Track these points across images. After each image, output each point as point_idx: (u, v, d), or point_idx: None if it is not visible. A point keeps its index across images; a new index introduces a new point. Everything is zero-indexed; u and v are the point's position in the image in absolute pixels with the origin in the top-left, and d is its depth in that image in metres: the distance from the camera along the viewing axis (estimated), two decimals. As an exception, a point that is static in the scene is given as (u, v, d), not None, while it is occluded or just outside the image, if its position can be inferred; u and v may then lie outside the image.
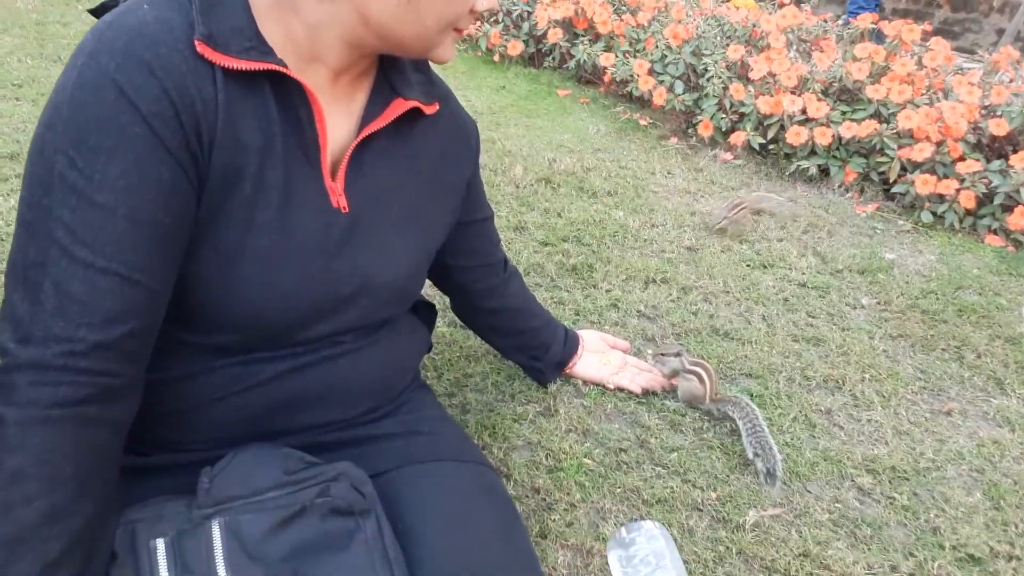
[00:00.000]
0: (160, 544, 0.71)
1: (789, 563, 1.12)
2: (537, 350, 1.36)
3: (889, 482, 1.29)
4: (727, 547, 1.13)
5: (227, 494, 0.75)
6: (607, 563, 1.06)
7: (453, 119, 0.96)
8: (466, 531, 0.84)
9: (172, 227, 0.70)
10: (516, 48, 3.21)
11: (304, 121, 0.78)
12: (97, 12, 0.78)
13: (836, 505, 1.23)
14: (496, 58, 3.25)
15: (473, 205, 1.09)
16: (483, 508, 0.88)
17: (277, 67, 0.72)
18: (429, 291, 1.42)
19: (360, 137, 0.82)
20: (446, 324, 1.55)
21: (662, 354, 1.44)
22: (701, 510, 1.19)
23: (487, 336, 1.34)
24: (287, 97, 0.76)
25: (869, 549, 1.16)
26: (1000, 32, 4.85)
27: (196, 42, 0.68)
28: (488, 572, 0.80)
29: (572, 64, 3.08)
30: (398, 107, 0.84)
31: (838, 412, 1.44)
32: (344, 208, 0.82)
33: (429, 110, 0.89)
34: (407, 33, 0.74)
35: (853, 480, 1.28)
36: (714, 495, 1.22)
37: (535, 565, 0.86)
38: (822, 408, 1.45)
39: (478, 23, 3.35)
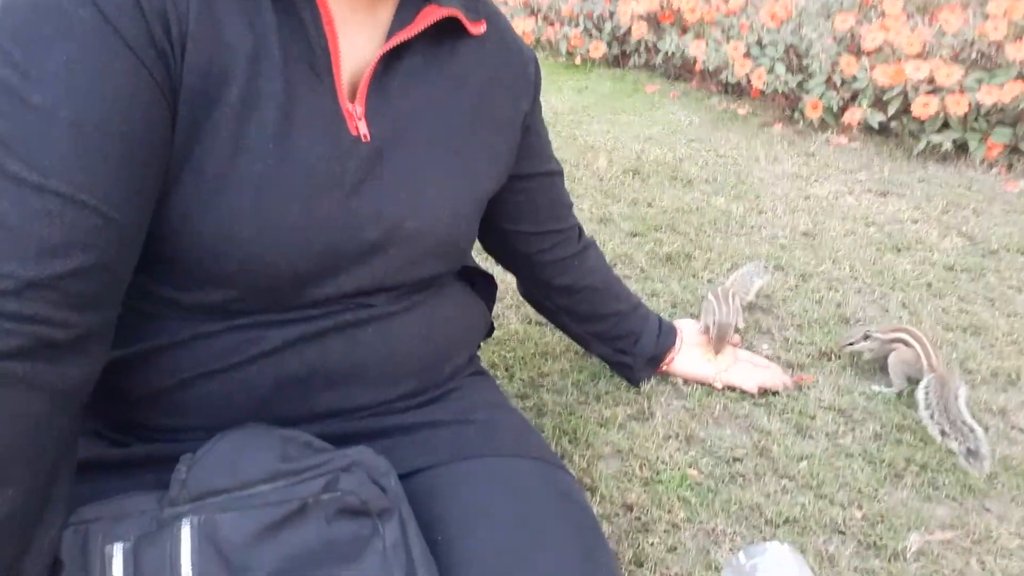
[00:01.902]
0: (117, 550, 0.54)
1: (974, 604, 0.83)
2: (624, 341, 1.13)
3: (1102, 499, 0.97)
4: (885, 581, 0.86)
5: (207, 487, 0.57)
6: (723, 599, 0.81)
7: (505, 42, 0.78)
8: (529, 546, 0.62)
9: (135, 141, 0.55)
10: (599, 50, 3.03)
11: (308, 24, 0.63)
12: None
13: (1030, 528, 0.93)
14: (578, 61, 3.08)
15: (534, 154, 0.90)
16: (555, 517, 0.67)
17: None
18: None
19: (386, 48, 0.65)
20: (519, 320, 1.35)
21: (850, 344, 1.20)
22: (843, 533, 0.93)
23: (562, 322, 1.12)
24: None
25: (1087, 587, 0.85)
26: None
27: None
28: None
29: (659, 59, 2.87)
30: (430, 15, 0.68)
31: (1015, 412, 1.13)
32: (365, 136, 0.65)
33: (474, 29, 0.72)
34: None
35: (1050, 496, 0.98)
36: (859, 514, 0.95)
37: (621, 595, 0.63)
38: (993, 408, 1.14)
39: (556, 25, 3.20)
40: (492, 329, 0.97)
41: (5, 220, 0.50)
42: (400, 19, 0.68)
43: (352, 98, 0.66)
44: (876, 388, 1.17)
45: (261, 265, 0.63)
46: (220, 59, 0.59)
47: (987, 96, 2.02)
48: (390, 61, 0.67)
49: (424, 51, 0.70)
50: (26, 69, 0.51)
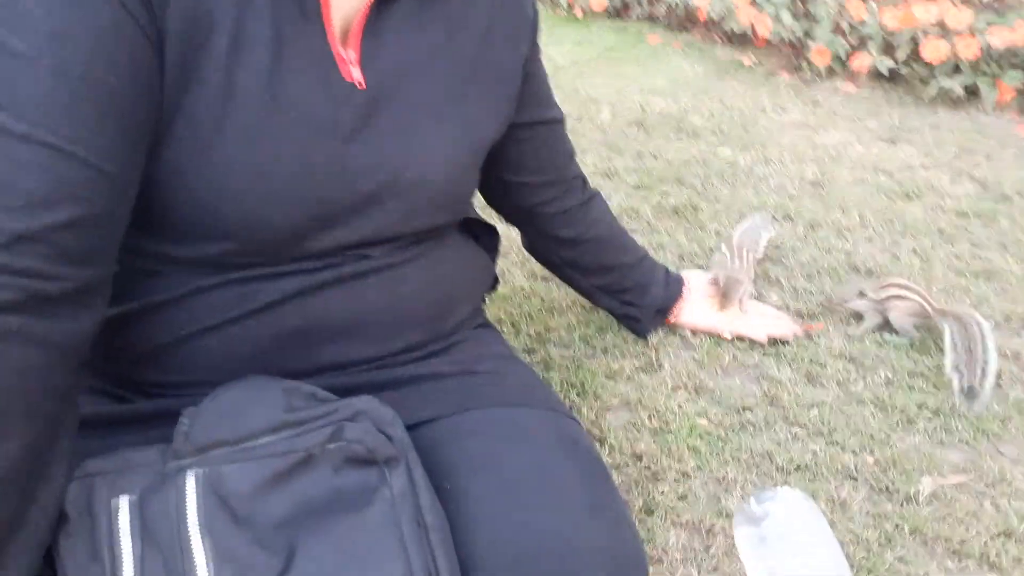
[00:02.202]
0: (124, 503, 0.53)
1: (986, 544, 0.83)
2: (631, 293, 1.11)
3: (1117, 439, 0.96)
4: (896, 524, 0.86)
5: (210, 438, 0.56)
6: (734, 544, 0.81)
7: None
8: (541, 493, 0.62)
9: (122, 88, 0.53)
10: (600, 2, 2.95)
11: None
12: None
13: (1044, 470, 0.92)
14: (579, 13, 3.01)
15: (535, 101, 0.87)
16: (564, 465, 0.66)
17: None
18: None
19: None
20: (525, 276, 1.34)
21: (846, 303, 1.18)
22: (855, 478, 0.92)
23: (568, 275, 1.10)
24: None
25: (1101, 526, 0.85)
26: None
27: None
28: (569, 544, 0.58)
29: (662, 10, 2.80)
30: None
31: (1030, 355, 1.12)
32: (360, 83, 0.63)
33: None
34: None
35: (1064, 438, 0.97)
36: (871, 460, 0.94)
37: (632, 535, 0.63)
38: (1007, 352, 1.13)
39: (557, -22, 3.12)
40: (497, 282, 0.96)
41: None
42: None
43: (344, 43, 0.64)
44: (888, 337, 1.15)
45: (256, 217, 0.61)
46: (206, 4, 0.57)
47: (998, 38, 1.96)
48: (383, 6, 0.65)
49: None
50: (6, 15, 0.49)
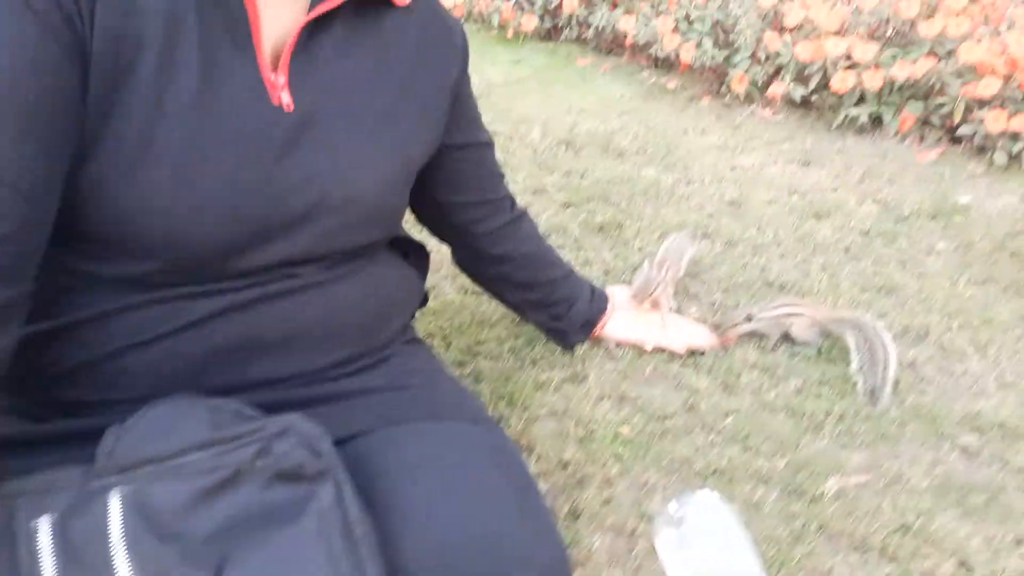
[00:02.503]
0: (44, 523, 0.53)
1: (885, 539, 0.89)
2: (558, 307, 1.15)
3: (1000, 440, 1.05)
4: (805, 522, 0.91)
5: (136, 457, 0.56)
6: (655, 545, 0.85)
7: (431, 12, 0.79)
8: (470, 500, 0.64)
9: (43, 109, 0.54)
10: (531, 23, 3.02)
11: None
12: None
13: (937, 469, 1.00)
14: (510, 34, 3.07)
15: (465, 124, 0.91)
16: (492, 473, 0.68)
17: None
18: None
19: (308, 19, 0.65)
20: (456, 290, 1.36)
21: (734, 325, 1.23)
22: (768, 481, 0.98)
23: (498, 290, 1.13)
24: None
25: (985, 519, 0.92)
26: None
27: None
28: (496, 550, 0.60)
29: (591, 33, 2.88)
30: None
31: (924, 364, 1.21)
32: (288, 106, 0.66)
33: (399, 0, 0.72)
34: None
35: (954, 440, 1.05)
36: (782, 463, 1.00)
37: (556, 539, 0.66)
38: (904, 361, 1.21)
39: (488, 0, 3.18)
40: (426, 299, 0.98)
41: None
42: None
43: (275, 68, 0.66)
44: (798, 347, 1.22)
45: (184, 236, 0.62)
46: (133, 24, 0.58)
47: (900, 71, 2.10)
48: (314, 31, 0.67)
49: (349, 21, 0.70)
50: None
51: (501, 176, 1.03)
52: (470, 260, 1.09)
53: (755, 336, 1.23)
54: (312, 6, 0.67)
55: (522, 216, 1.08)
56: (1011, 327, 1.30)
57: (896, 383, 1.12)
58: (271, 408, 0.65)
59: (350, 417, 0.71)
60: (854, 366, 1.15)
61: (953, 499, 0.95)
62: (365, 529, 0.57)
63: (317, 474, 0.57)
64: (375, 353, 0.78)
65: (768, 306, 1.23)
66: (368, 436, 0.70)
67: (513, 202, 1.06)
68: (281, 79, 0.65)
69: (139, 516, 0.52)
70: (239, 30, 0.63)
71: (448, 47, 0.81)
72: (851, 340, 1.18)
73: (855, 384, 1.13)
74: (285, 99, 0.65)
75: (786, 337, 1.23)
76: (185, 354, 0.66)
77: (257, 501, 0.55)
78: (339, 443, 0.65)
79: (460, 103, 0.86)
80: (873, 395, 1.11)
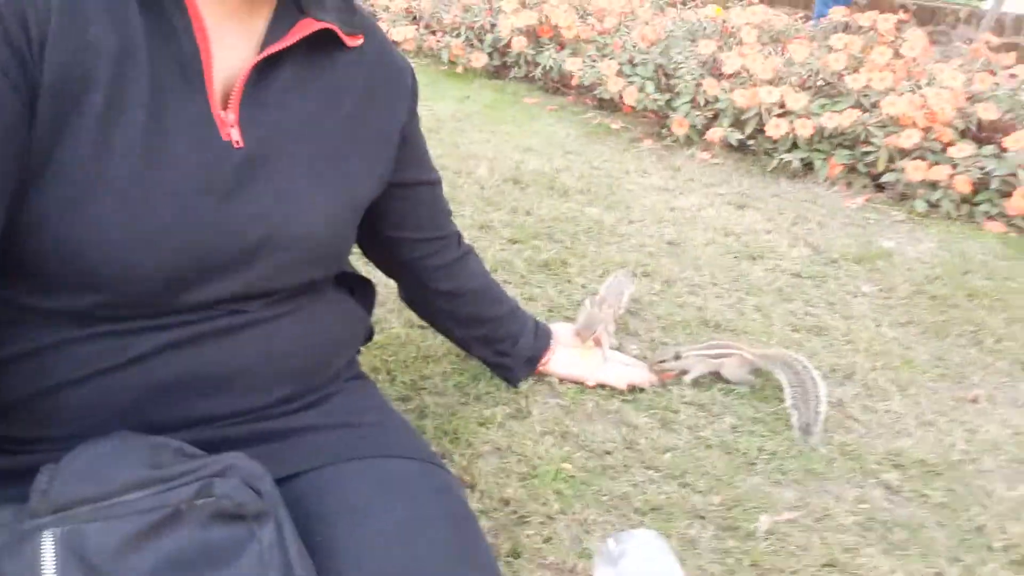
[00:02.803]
0: None
1: (813, 575, 0.92)
2: (503, 343, 1.17)
3: (920, 477, 1.10)
4: (738, 559, 0.94)
5: (71, 497, 0.54)
6: (594, 583, 0.86)
7: (382, 55, 0.81)
8: (410, 543, 0.64)
9: None
10: (479, 60, 3.08)
11: (179, 30, 0.63)
12: None
13: (861, 506, 1.04)
14: (459, 70, 3.12)
15: (414, 163, 0.92)
16: (433, 514, 0.69)
17: None
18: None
19: (258, 59, 0.66)
20: (401, 324, 1.36)
21: (660, 362, 1.26)
22: (704, 517, 1.00)
23: (443, 326, 1.14)
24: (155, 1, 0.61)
25: (906, 555, 0.97)
26: (968, 44, 4.83)
27: None
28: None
29: (538, 72, 2.95)
30: (305, 27, 0.69)
31: (851, 403, 1.26)
32: (237, 143, 0.66)
33: (351, 41, 0.75)
34: None
35: (878, 477, 1.10)
36: (717, 499, 1.03)
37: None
38: (832, 399, 1.26)
39: (439, 34, 3.23)
40: (372, 334, 0.98)
41: None
42: (275, 30, 0.69)
43: (225, 106, 0.66)
44: (733, 386, 1.26)
45: (129, 270, 0.62)
46: (83, 60, 0.58)
47: (829, 121, 2.22)
48: (265, 71, 0.68)
49: (300, 62, 0.71)
50: None
51: (448, 213, 1.05)
52: (417, 296, 1.10)
53: (682, 374, 1.27)
54: (264, 45, 0.68)
55: (469, 253, 1.09)
56: (929, 368, 1.38)
57: (826, 418, 1.17)
58: (212, 446, 0.64)
59: (292, 455, 0.70)
60: (788, 402, 1.20)
61: (877, 535, 1.00)
62: (305, 570, 0.56)
63: (258, 514, 0.57)
64: (318, 390, 0.78)
65: (698, 345, 1.27)
66: (310, 475, 0.70)
67: (460, 239, 1.08)
68: (231, 116, 0.66)
69: (73, 558, 0.51)
70: (190, 67, 0.64)
71: (398, 88, 0.83)
72: (782, 377, 1.23)
73: (788, 420, 1.18)
74: (235, 136, 0.66)
75: (718, 376, 1.27)
76: (125, 391, 0.65)
77: (196, 541, 0.54)
78: (281, 482, 0.65)
79: (409, 143, 0.88)
80: (806, 430, 1.16)
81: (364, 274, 0.93)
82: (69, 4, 0.57)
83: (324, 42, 0.72)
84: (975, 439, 1.19)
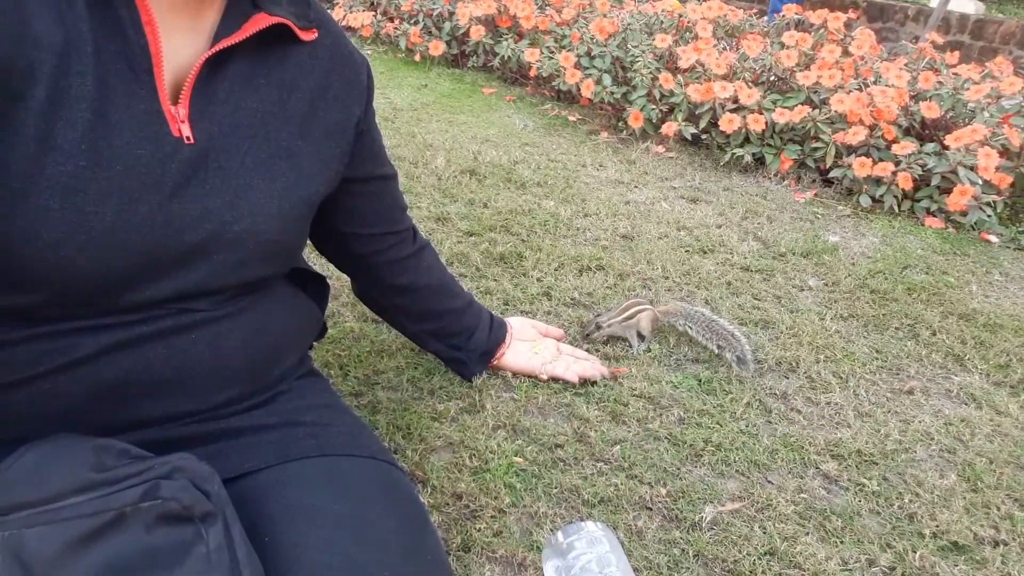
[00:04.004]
0: None
1: (754, 563, 0.96)
2: (458, 338, 1.18)
3: (856, 467, 1.15)
4: (682, 549, 0.97)
5: (10, 501, 0.54)
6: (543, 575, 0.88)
7: (337, 50, 0.80)
8: (357, 541, 0.65)
9: None
10: (438, 48, 3.06)
11: (127, 23, 0.62)
12: None
13: (801, 496, 1.08)
14: (417, 58, 3.10)
15: (369, 158, 0.92)
16: (381, 512, 0.69)
17: None
18: (327, 270, 1.23)
19: (210, 53, 0.65)
20: (355, 318, 1.36)
21: (587, 335, 1.37)
22: (651, 508, 1.03)
23: (398, 321, 1.15)
24: None
25: (842, 542, 1.01)
26: (915, 41, 4.97)
27: None
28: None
29: (496, 62, 2.95)
30: (259, 22, 0.69)
31: (794, 396, 1.30)
32: (188, 138, 0.65)
33: (305, 36, 0.74)
34: None
35: (818, 467, 1.14)
36: (664, 491, 1.06)
37: (445, 577, 0.67)
38: (777, 392, 1.31)
39: (396, 21, 3.20)
40: (325, 330, 0.98)
41: None
42: (227, 24, 0.68)
43: (175, 100, 0.65)
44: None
45: (71, 268, 0.61)
46: (25, 54, 0.57)
47: (780, 117, 2.27)
48: (216, 65, 0.67)
49: (253, 56, 0.70)
50: None
51: (404, 208, 1.05)
52: (371, 290, 1.10)
53: (617, 340, 1.37)
54: (216, 39, 0.67)
55: (424, 248, 1.09)
56: (868, 360, 1.43)
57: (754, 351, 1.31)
58: (159, 446, 0.64)
59: (241, 455, 0.71)
60: (712, 348, 1.34)
61: (814, 523, 1.04)
62: (254, 571, 0.57)
63: (205, 515, 0.57)
64: (268, 389, 0.78)
65: (615, 311, 1.36)
66: (258, 475, 0.70)
67: (416, 234, 1.08)
68: (182, 111, 0.65)
69: (13, 563, 0.51)
70: (138, 61, 0.62)
71: (353, 83, 0.82)
72: (692, 331, 1.37)
73: (724, 362, 1.33)
74: (185, 131, 0.65)
75: (640, 336, 1.36)
76: (69, 392, 0.65)
77: (140, 545, 0.54)
78: (229, 482, 0.66)
79: (364, 138, 0.87)
80: (741, 361, 1.29)
81: (317, 269, 0.93)
82: None
83: (277, 36, 0.71)
84: (909, 430, 1.25)
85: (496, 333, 1.22)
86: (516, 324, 1.29)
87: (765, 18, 3.32)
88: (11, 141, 0.57)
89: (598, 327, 1.35)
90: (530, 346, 1.27)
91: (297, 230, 0.78)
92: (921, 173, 2.14)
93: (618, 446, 1.13)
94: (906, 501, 1.09)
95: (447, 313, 1.15)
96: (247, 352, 0.75)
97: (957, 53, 2.81)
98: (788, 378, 1.35)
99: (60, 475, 0.56)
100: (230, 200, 0.68)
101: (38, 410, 0.64)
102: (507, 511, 0.99)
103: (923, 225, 2.11)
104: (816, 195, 2.22)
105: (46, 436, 0.61)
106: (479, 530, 0.95)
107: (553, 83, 2.74)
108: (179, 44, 0.66)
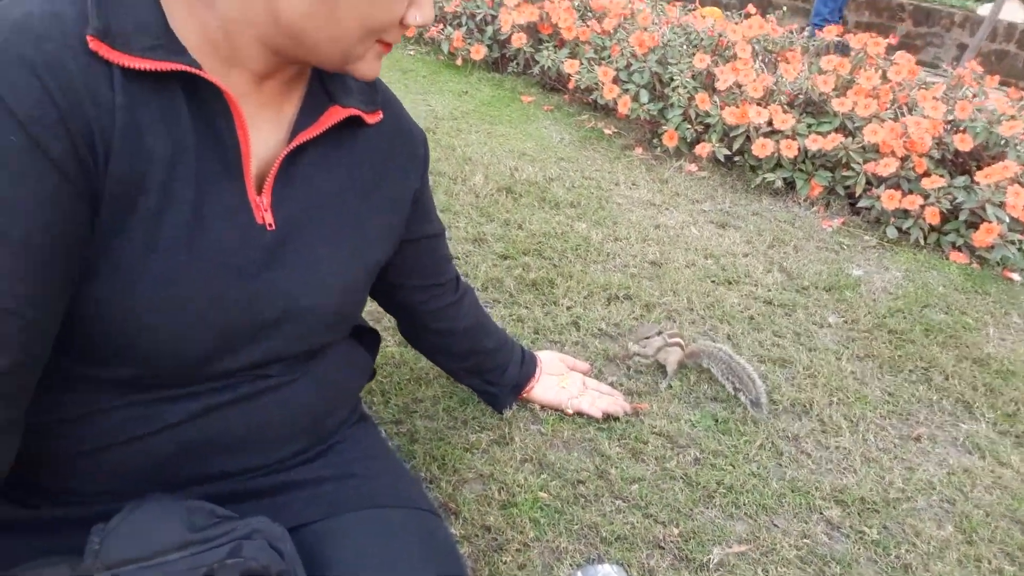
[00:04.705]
0: None
1: (755, 606, 1.05)
2: (492, 373, 1.27)
3: (859, 514, 1.23)
4: (690, 590, 1.06)
5: (121, 556, 0.64)
6: (561, 612, 0.98)
7: (398, 127, 0.88)
8: None
9: (56, 248, 0.61)
10: (479, 52, 3.12)
11: (223, 129, 0.70)
12: None
13: (804, 540, 1.16)
14: (459, 62, 3.16)
15: (421, 220, 1.00)
16: (419, 561, 0.79)
17: (188, 68, 0.63)
18: (373, 311, 1.33)
19: (290, 148, 0.73)
20: (396, 343, 1.46)
21: (645, 337, 1.46)
22: (663, 548, 1.12)
23: (438, 359, 1.25)
24: (203, 102, 0.67)
25: (838, 589, 1.09)
26: (962, 47, 4.90)
27: (88, 38, 0.59)
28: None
29: (536, 70, 3.01)
30: (334, 115, 0.76)
31: (805, 439, 1.38)
32: (270, 225, 0.73)
33: (371, 118, 0.81)
34: (321, 37, 0.65)
35: (822, 513, 1.22)
36: (676, 531, 1.15)
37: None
38: (789, 434, 1.38)
39: (440, 26, 3.26)
40: (374, 374, 1.08)
41: None
42: (304, 117, 0.76)
43: (259, 190, 0.74)
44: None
45: (167, 348, 0.70)
46: (140, 167, 0.65)
47: (813, 143, 2.31)
48: (294, 154, 0.76)
49: (326, 142, 0.78)
50: None
51: (449, 259, 1.13)
52: (413, 332, 1.20)
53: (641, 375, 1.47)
54: (295, 131, 0.75)
55: (466, 294, 1.18)
56: (880, 404, 1.50)
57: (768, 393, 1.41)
58: (230, 498, 0.74)
59: (301, 508, 0.81)
60: (729, 388, 1.43)
61: (815, 569, 1.12)
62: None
63: (280, 573, 0.67)
64: (325, 440, 0.88)
65: (645, 335, 1.46)
66: (316, 526, 0.80)
67: (459, 281, 1.17)
68: (265, 200, 0.73)
69: None
70: (230, 159, 0.70)
71: (412, 157, 0.90)
72: (714, 370, 1.45)
73: (739, 403, 1.42)
74: (268, 219, 0.73)
75: (660, 366, 1.48)
76: (158, 451, 0.74)
77: (227, 598, 0.65)
78: (293, 529, 0.76)
79: (418, 203, 0.95)
80: (755, 404, 1.39)
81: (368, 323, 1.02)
82: (128, 118, 0.63)
83: (347, 121, 0.79)
84: (913, 478, 1.32)
85: (527, 368, 1.31)
86: (545, 358, 1.38)
87: (806, 32, 3.32)
88: (124, 241, 0.66)
89: (659, 333, 1.45)
90: (558, 380, 1.36)
91: (359, 297, 0.87)
92: (950, 207, 2.17)
93: (636, 484, 1.22)
94: (903, 551, 1.16)
95: (483, 352, 1.24)
96: (311, 409, 0.84)
97: (997, 77, 2.80)
98: (801, 420, 1.43)
99: (161, 534, 0.66)
100: (302, 277, 0.77)
101: (130, 467, 0.74)
102: (531, 545, 1.09)
103: (947, 259, 2.15)
104: (844, 223, 2.27)
105: (137, 490, 0.71)
106: (505, 563, 1.05)
107: (591, 95, 2.80)
108: (263, 138, 0.74)
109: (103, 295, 0.66)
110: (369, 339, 1.02)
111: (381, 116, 0.83)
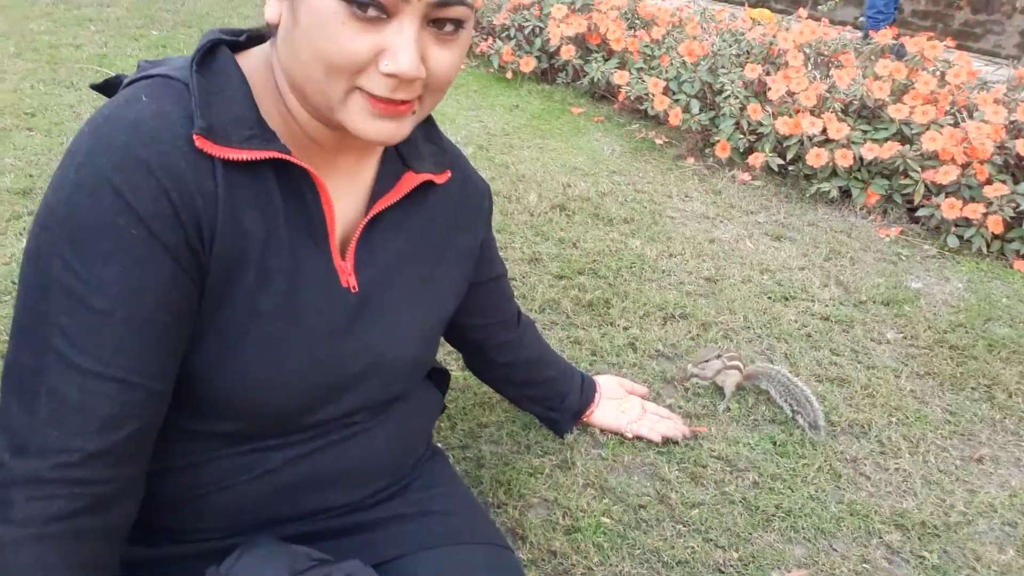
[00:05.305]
0: None
1: (816, 632, 1.08)
2: (553, 400, 1.32)
3: (919, 539, 1.24)
4: (751, 615, 1.09)
5: None
6: (627, 638, 1.03)
7: (465, 184, 0.93)
8: None
9: (172, 324, 0.68)
10: (529, 64, 3.17)
11: (310, 204, 0.76)
12: (101, 88, 0.76)
13: (864, 565, 1.19)
14: (509, 75, 3.21)
15: (486, 265, 1.06)
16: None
17: (279, 154, 0.70)
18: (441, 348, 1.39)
19: (370, 215, 0.80)
20: (459, 368, 1.52)
21: (705, 360, 1.50)
22: (723, 572, 1.16)
23: (501, 388, 1.30)
24: (292, 181, 0.74)
25: (899, 615, 1.11)
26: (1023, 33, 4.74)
27: (195, 136, 0.66)
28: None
29: (585, 81, 3.04)
30: (409, 182, 0.82)
31: (864, 460, 1.40)
32: (354, 287, 0.80)
33: (440, 179, 0.87)
34: (297, 76, 0.68)
35: (881, 537, 1.24)
36: (736, 555, 1.18)
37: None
38: (848, 456, 1.40)
39: (489, 40, 3.31)
40: (444, 408, 1.14)
41: (70, 401, 0.63)
42: (381, 186, 0.82)
43: (343, 254, 0.80)
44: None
45: (266, 404, 0.77)
46: (239, 247, 0.72)
47: (869, 152, 2.29)
48: (373, 219, 0.82)
49: (400, 206, 0.84)
50: (87, 278, 0.63)
51: (511, 297, 1.19)
52: (479, 365, 1.26)
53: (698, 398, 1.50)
54: (373, 197, 0.81)
55: (527, 328, 1.24)
56: (941, 424, 1.50)
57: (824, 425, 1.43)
58: (320, 535, 0.82)
59: (385, 545, 0.87)
60: (787, 410, 1.47)
61: (875, 595, 1.14)
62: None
63: (372, 612, 0.74)
64: (404, 478, 0.95)
65: (705, 359, 1.50)
66: (398, 563, 0.86)
67: (520, 316, 1.22)
68: (348, 264, 0.80)
69: None
70: (317, 230, 0.77)
71: (479, 211, 0.96)
72: (772, 392, 1.49)
73: (797, 425, 1.44)
74: (352, 282, 0.79)
75: (718, 388, 1.51)
76: (260, 493, 0.82)
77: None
78: (379, 565, 0.82)
79: (483, 251, 1.01)
80: (813, 427, 1.42)
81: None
82: (229, 204, 0.71)
83: (420, 185, 0.85)
84: (974, 501, 1.32)
85: (586, 394, 1.36)
86: (604, 382, 1.42)
87: (861, 21, 3.26)
88: (227, 312, 0.73)
89: (719, 356, 1.49)
90: (617, 404, 1.41)
91: (434, 345, 0.93)
92: (1013, 215, 2.13)
93: (696, 509, 1.26)
94: (964, 576, 1.18)
95: (544, 381, 1.30)
96: (392, 450, 0.91)
97: (1064, 74, 2.72)
98: (859, 441, 1.44)
99: (270, 575, 0.73)
100: (384, 333, 0.83)
101: (236, 507, 0.82)
102: (595, 569, 1.14)
103: (1012, 268, 2.11)
104: (902, 232, 2.25)
105: (242, 528, 0.79)
106: (572, 588, 1.10)
107: (642, 105, 2.82)
108: (344, 207, 0.80)
109: (209, 360, 0.73)
110: (439, 376, 1.09)
111: (449, 175, 0.89)
